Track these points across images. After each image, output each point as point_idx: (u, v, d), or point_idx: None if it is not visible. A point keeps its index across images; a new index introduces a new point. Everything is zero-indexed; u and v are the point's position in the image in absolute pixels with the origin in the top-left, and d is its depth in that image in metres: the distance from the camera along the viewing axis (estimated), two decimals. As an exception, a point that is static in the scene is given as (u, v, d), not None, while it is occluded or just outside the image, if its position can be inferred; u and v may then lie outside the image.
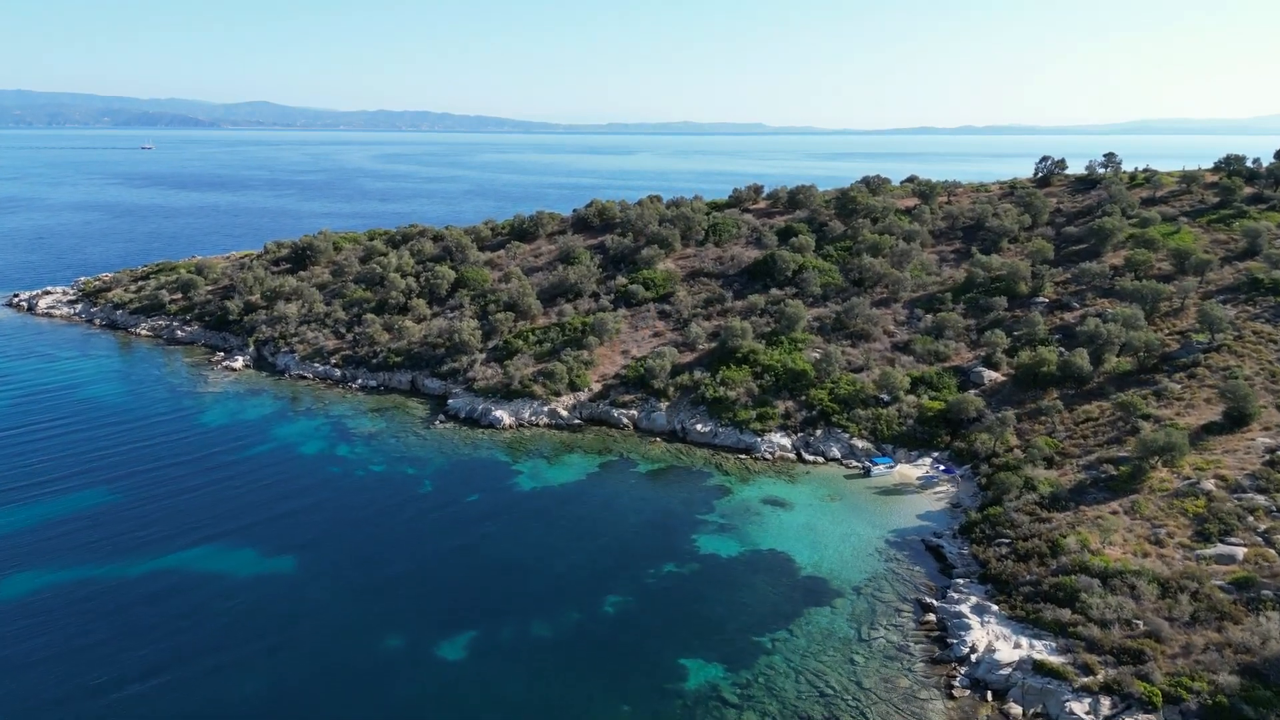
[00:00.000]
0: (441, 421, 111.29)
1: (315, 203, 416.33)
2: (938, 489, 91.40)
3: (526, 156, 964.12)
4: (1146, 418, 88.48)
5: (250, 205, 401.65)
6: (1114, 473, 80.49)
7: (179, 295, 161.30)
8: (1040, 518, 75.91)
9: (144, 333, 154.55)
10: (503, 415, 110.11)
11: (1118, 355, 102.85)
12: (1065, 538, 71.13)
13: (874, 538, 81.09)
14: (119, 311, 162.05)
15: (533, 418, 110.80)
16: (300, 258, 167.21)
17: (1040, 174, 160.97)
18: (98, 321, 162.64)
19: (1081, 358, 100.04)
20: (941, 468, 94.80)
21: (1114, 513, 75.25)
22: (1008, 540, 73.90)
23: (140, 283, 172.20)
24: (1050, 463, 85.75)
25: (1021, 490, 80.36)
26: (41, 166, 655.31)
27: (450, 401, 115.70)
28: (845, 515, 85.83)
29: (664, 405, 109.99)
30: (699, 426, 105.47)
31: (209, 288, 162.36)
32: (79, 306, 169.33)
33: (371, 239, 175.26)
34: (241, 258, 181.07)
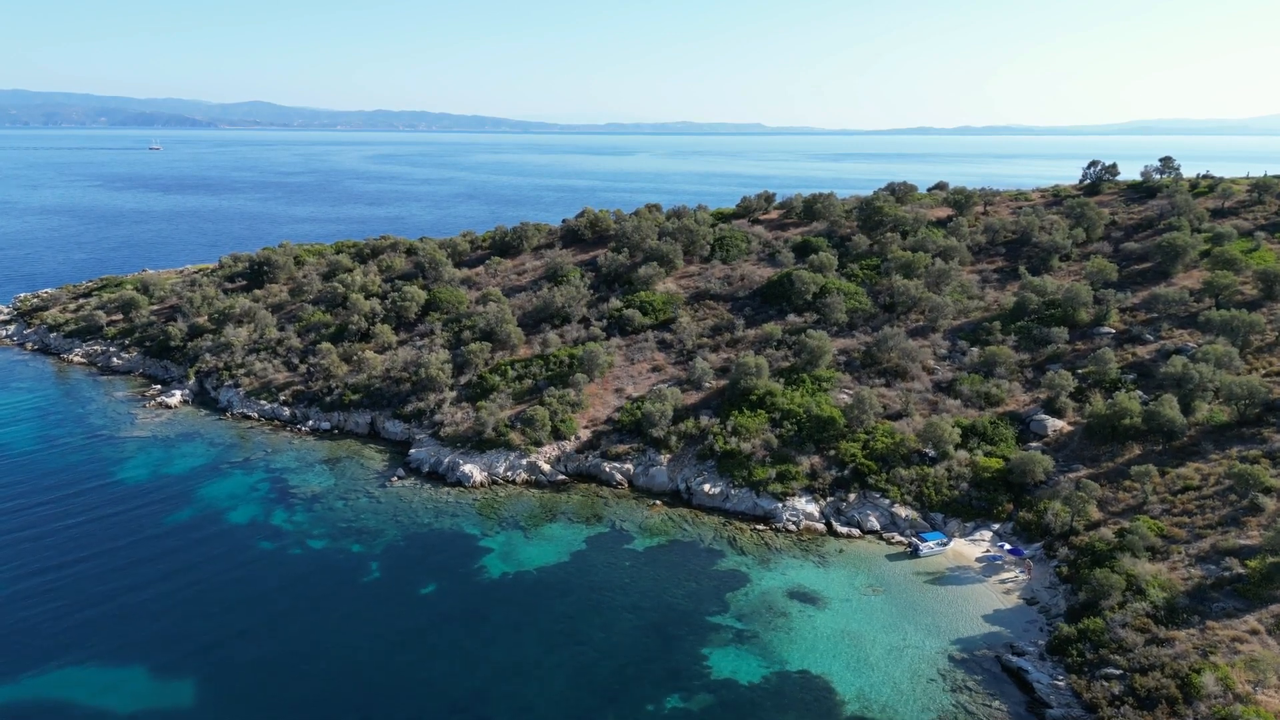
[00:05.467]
0: (400, 477, 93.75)
1: (300, 207, 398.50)
2: (1004, 575, 73.90)
3: (523, 157, 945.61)
4: (1268, 491, 70.96)
5: (232, 209, 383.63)
6: (1241, 570, 63.05)
7: (119, 316, 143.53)
8: (1156, 637, 58.44)
9: (77, 359, 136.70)
10: (472, 471, 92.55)
11: (1210, 403, 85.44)
12: (1199, 673, 53.64)
13: (933, 652, 63.63)
14: (53, 334, 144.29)
15: (508, 473, 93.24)
16: (257, 273, 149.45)
17: (1088, 180, 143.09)
18: (30, 345, 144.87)
19: (1171, 407, 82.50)
20: (1006, 546, 77.27)
21: (1253, 631, 57.83)
22: (1118, 671, 56.38)
23: (81, 301, 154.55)
24: (1154, 552, 68.12)
25: (1125, 594, 62.77)
26: (23, 168, 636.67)
27: (413, 451, 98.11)
28: (893, 616, 68.35)
29: (665, 458, 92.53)
30: (707, 487, 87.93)
31: (154, 307, 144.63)
32: (11, 328, 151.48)
33: (338, 252, 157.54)
34: (195, 272, 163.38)
